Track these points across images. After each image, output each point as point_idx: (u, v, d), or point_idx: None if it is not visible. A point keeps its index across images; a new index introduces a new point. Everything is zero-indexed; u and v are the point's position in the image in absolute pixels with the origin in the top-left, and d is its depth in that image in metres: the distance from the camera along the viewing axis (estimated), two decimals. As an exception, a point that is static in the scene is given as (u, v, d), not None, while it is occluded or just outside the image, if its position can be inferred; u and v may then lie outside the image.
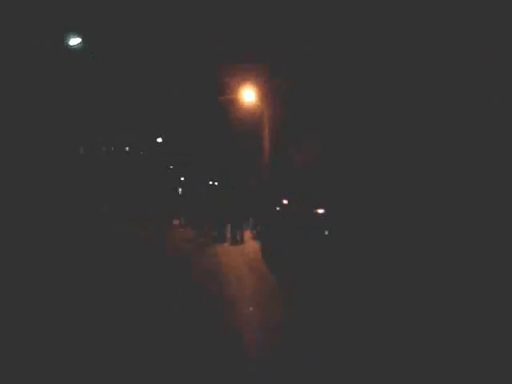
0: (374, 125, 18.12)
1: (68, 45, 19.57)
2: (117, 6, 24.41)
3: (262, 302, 8.62)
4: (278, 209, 14.58)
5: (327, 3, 20.26)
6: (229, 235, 18.20)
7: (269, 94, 23.93)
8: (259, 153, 24.57)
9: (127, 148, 38.33)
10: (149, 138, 34.18)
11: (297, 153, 24.45)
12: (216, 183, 37.79)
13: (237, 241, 17.31)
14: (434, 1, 16.33)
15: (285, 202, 13.78)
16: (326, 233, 10.36)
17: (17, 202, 20.08)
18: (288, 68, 23.96)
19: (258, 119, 24.82)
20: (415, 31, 17.06)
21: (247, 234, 19.11)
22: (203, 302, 8.48)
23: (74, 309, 7.86)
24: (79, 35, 19.36)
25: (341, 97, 21.18)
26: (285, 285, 9.95)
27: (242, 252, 15.25)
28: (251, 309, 8.09)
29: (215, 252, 15.23)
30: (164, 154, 34.60)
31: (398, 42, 17.63)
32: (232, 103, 25.83)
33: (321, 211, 10.79)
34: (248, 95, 23.76)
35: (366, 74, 18.70)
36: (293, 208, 12.81)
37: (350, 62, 20.43)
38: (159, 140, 34.42)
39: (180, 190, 33.70)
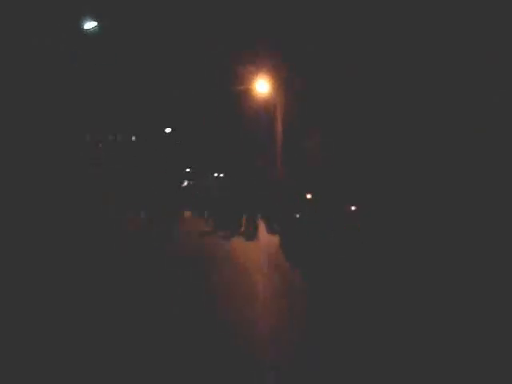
0: (381, 122, 18.02)
1: (83, 28, 19.15)
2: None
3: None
4: (298, 203, 14.14)
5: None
6: (243, 229, 17.79)
7: (282, 84, 23.52)
8: (272, 144, 24.19)
9: (133, 137, 37.87)
10: (157, 127, 33.74)
11: (309, 146, 24.11)
12: (223, 175, 37.39)
13: (253, 234, 16.88)
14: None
15: (308, 196, 13.34)
16: (356, 230, 9.90)
17: (25, 193, 19.73)
18: (301, 59, 23.58)
19: (271, 110, 24.41)
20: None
21: (262, 228, 18.68)
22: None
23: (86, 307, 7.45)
24: (95, 19, 18.93)
25: (354, 91, 20.91)
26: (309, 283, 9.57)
27: (261, 248, 14.82)
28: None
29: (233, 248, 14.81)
30: (172, 145, 34.16)
31: (401, 43, 17.50)
32: (244, 94, 25.40)
33: (352, 207, 10.33)
34: (261, 86, 23.33)
35: (373, 70, 18.58)
36: (319, 203, 12.36)
37: (362, 55, 20.18)
38: (168, 130, 33.96)
39: (187, 182, 33.25)
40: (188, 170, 42.11)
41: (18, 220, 16.56)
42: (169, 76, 28.95)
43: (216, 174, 42.37)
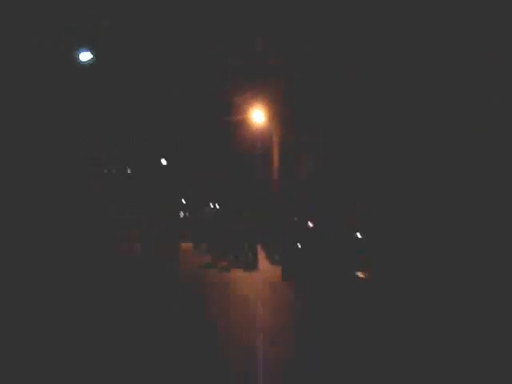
0: (377, 133, 17.92)
1: (78, 59, 19.04)
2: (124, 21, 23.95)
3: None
4: (299, 232, 13.89)
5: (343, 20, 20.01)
6: (243, 259, 17.45)
7: (278, 114, 23.51)
8: (268, 174, 24.03)
9: (129, 170, 37.72)
10: (152, 159, 33.53)
11: (303, 171, 23.99)
12: (219, 206, 37.13)
13: (253, 265, 16.53)
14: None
15: (310, 224, 13.09)
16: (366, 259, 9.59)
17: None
18: (297, 87, 23.64)
19: (267, 139, 24.33)
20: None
21: (262, 259, 18.35)
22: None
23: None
24: (90, 49, 18.82)
25: (348, 112, 20.92)
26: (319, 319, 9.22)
27: (263, 278, 14.47)
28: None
29: (233, 278, 14.46)
30: (168, 176, 33.91)
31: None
32: (239, 124, 25.37)
33: (359, 235, 10.06)
34: (257, 116, 23.29)
35: (369, 85, 18.56)
36: (322, 231, 12.10)
37: (355, 80, 20.23)
38: (163, 162, 33.75)
39: (183, 213, 32.98)
40: (183, 201, 41.87)
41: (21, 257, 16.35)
42: (164, 106, 28.91)
43: (212, 205, 42.13)
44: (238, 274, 15.27)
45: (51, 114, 23.91)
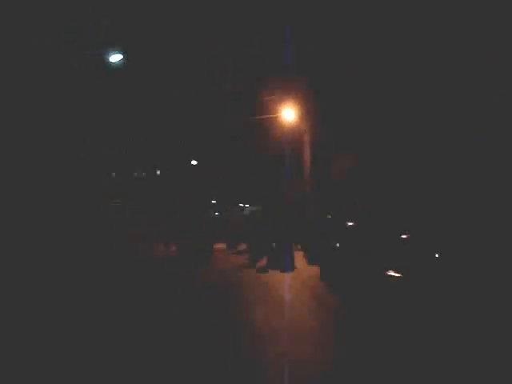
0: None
1: (108, 60, 19.18)
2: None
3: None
4: (337, 232, 13.66)
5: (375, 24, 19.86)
6: (278, 260, 17.26)
7: (309, 112, 23.31)
8: (300, 172, 23.85)
9: (158, 171, 37.92)
10: (182, 160, 33.65)
11: (337, 167, 23.78)
12: (250, 206, 37.02)
13: (290, 267, 16.34)
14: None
15: (350, 223, 12.86)
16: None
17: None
18: (327, 85, 23.43)
19: (298, 137, 24.14)
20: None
21: (299, 259, 18.16)
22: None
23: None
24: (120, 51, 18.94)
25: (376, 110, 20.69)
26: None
27: (301, 280, 14.30)
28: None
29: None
30: (198, 177, 34.00)
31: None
32: (270, 123, 25.22)
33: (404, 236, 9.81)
34: (288, 114, 23.11)
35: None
36: (362, 231, 11.88)
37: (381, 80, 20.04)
38: (194, 162, 33.85)
39: (216, 213, 32.95)
40: (214, 201, 41.89)
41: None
42: (194, 107, 28.96)
43: (242, 205, 42.06)
44: (277, 275, 15.14)
45: (82, 119, 24.16)
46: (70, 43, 20.95)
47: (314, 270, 15.27)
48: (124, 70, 23.12)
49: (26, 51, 19.91)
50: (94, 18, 21.80)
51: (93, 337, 7.47)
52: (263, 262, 17.50)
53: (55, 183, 22.86)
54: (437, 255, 9.02)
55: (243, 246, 21.72)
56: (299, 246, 20.23)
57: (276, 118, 23.88)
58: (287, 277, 14.73)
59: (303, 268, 16.52)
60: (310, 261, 17.37)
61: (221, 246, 23.22)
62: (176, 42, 26.14)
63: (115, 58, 18.95)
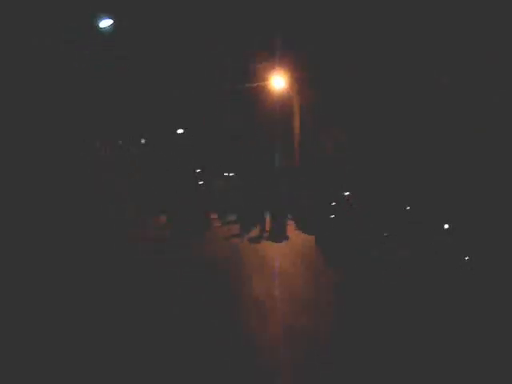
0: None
1: (98, 26, 18.75)
2: None
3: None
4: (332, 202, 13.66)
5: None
6: (272, 230, 17.27)
7: (298, 80, 23.08)
8: (288, 141, 23.75)
9: (142, 140, 37.37)
10: (168, 129, 33.15)
11: (328, 140, 23.72)
12: (235, 175, 36.79)
13: (284, 236, 16.37)
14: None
15: (346, 193, 12.86)
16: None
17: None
18: (317, 54, 23.18)
19: (287, 107, 23.96)
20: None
21: (291, 229, 18.18)
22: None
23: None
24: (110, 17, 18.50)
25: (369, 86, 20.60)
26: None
27: (296, 250, 14.33)
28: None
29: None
30: (184, 146, 33.59)
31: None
32: (259, 91, 24.94)
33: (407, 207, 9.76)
34: (277, 82, 22.85)
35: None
36: (360, 203, 11.88)
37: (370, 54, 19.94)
38: (180, 131, 33.38)
39: (201, 182, 32.70)
40: (198, 170, 41.55)
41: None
42: (180, 75, 28.45)
43: (226, 174, 41.79)
44: (270, 245, 15.17)
45: (65, 84, 23.65)
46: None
47: (308, 238, 15.34)
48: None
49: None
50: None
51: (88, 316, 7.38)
52: (255, 232, 17.46)
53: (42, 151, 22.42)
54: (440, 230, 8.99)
55: (233, 217, 21.62)
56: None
57: (265, 85, 23.63)
58: (282, 246, 14.77)
59: (297, 237, 16.55)
60: (303, 230, 17.42)
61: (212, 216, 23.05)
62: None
63: (105, 23, 18.48)
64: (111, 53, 24.40)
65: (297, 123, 23.13)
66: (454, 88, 15.23)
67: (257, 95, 25.02)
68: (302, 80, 23.07)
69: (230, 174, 39.68)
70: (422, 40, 16.38)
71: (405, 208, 9.67)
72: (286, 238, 16.17)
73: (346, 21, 21.41)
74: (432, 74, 15.79)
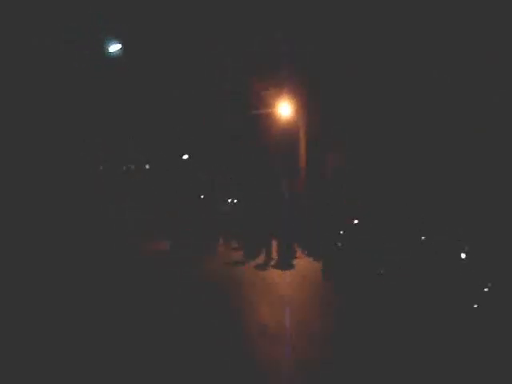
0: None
1: (107, 51, 18.87)
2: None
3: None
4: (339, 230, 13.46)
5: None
6: (278, 257, 17.05)
7: (304, 107, 23.11)
8: (294, 167, 23.66)
9: (147, 166, 37.38)
10: (174, 154, 33.20)
11: (332, 163, 23.65)
12: (245, 202, 36.58)
13: (289, 263, 16.13)
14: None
15: (355, 221, 12.67)
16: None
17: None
18: (322, 79, 23.24)
19: (293, 133, 23.94)
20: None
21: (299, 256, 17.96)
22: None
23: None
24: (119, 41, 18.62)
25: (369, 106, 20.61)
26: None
27: (303, 278, 14.08)
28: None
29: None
30: (190, 172, 33.57)
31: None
32: (265, 117, 25.01)
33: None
34: (284, 109, 22.87)
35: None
36: (367, 229, 11.68)
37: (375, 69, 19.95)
38: (185, 157, 33.42)
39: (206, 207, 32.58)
40: (202, 196, 41.45)
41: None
42: (188, 100, 28.58)
43: (230, 200, 41.64)
44: (276, 272, 14.94)
45: (72, 106, 23.70)
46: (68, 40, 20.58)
47: (315, 266, 15.12)
48: (122, 66, 22.81)
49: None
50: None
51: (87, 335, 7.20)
52: (261, 258, 17.24)
53: (44, 176, 22.38)
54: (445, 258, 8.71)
55: (235, 243, 21.44)
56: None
57: (272, 112, 23.67)
58: (288, 274, 14.54)
59: (304, 265, 16.30)
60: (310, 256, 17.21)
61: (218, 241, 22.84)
62: (176, 41, 25.87)
63: (114, 47, 18.62)
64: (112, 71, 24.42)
65: (302, 149, 23.05)
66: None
67: (263, 121, 25.07)
68: (306, 106, 23.12)
69: (235, 201, 39.57)
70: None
71: (419, 237, 9.38)
72: (293, 266, 15.91)
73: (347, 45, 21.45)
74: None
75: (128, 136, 30.42)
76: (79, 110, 24.00)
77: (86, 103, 24.08)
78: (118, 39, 19.47)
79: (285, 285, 12.87)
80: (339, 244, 13.13)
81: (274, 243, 17.58)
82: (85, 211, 24.36)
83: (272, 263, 16.43)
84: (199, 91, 27.92)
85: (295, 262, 16.62)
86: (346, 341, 7.41)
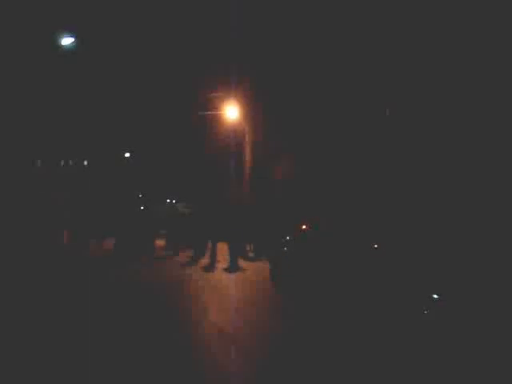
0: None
1: (60, 44, 18.40)
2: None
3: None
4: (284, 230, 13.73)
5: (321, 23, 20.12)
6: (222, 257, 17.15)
7: (251, 110, 23.36)
8: (239, 169, 23.85)
9: (85, 162, 36.49)
10: (115, 152, 32.59)
11: (277, 166, 23.99)
12: (180, 202, 36.43)
13: (234, 265, 16.25)
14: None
15: (303, 226, 12.94)
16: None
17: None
18: (269, 84, 23.55)
19: (238, 135, 24.14)
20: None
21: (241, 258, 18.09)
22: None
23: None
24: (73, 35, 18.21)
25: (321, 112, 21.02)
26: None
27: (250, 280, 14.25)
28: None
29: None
30: (129, 170, 33.05)
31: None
32: (210, 119, 25.09)
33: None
34: (230, 112, 23.02)
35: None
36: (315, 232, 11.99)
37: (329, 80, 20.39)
38: (127, 155, 32.90)
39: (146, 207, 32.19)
40: (141, 195, 40.87)
41: None
42: (133, 99, 28.19)
43: (168, 200, 41.26)
44: (220, 274, 15.04)
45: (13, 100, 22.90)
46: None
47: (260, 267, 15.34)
48: (70, 59, 22.28)
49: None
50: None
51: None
52: (206, 260, 17.29)
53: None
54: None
55: (181, 244, 21.32)
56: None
57: (218, 115, 23.77)
58: (233, 276, 14.68)
59: (247, 267, 16.48)
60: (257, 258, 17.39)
61: (159, 242, 22.64)
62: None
63: (67, 41, 18.19)
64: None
65: (248, 156, 23.29)
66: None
67: (209, 124, 25.13)
68: (252, 109, 23.36)
69: (173, 201, 39.24)
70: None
71: (372, 246, 9.67)
72: (239, 268, 16.01)
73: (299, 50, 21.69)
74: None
75: (68, 131, 29.61)
76: (16, 101, 23.24)
77: (25, 96, 23.31)
78: (71, 33, 19.00)
79: (232, 286, 13.01)
80: (285, 249, 13.33)
81: (224, 245, 17.51)
82: (21, 208, 23.48)
83: (219, 265, 16.48)
84: (145, 89, 27.64)
85: (243, 264, 16.74)
86: (293, 339, 7.60)
